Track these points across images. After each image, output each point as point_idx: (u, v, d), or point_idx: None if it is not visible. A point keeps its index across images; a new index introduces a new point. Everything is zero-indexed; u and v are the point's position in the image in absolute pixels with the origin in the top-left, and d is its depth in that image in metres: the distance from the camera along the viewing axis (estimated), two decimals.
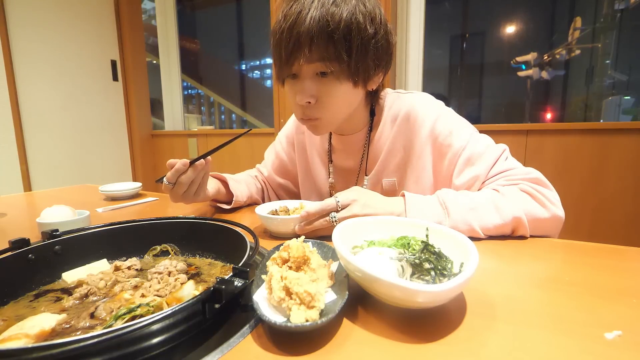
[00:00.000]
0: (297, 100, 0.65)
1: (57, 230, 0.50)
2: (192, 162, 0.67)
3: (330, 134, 0.84)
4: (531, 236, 0.59)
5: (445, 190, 0.62)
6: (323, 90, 0.64)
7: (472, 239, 0.55)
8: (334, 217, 0.57)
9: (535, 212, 0.57)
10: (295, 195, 0.97)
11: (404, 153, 0.76)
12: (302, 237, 0.41)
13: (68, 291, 0.43)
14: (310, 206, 0.59)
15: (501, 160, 0.67)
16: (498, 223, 0.56)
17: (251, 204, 0.89)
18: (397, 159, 0.77)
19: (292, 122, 0.94)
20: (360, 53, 0.60)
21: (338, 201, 0.58)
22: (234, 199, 0.81)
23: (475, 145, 0.68)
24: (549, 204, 0.58)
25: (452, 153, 0.70)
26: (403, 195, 0.61)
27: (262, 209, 0.66)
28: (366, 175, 0.80)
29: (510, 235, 0.59)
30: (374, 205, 0.59)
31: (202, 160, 0.68)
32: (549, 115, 2.61)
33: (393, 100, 0.78)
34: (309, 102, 0.65)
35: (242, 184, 0.88)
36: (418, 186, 0.75)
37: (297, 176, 0.94)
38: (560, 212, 0.59)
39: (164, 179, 0.68)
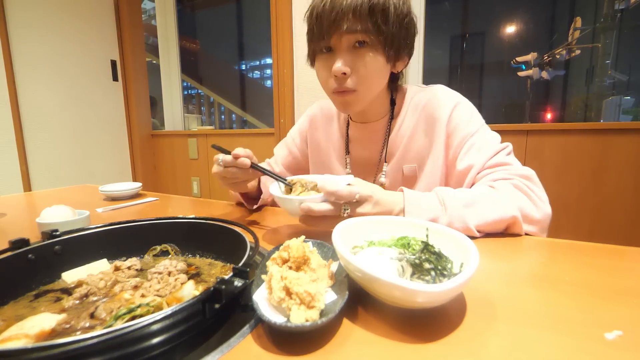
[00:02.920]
0: (333, 70, 0.67)
1: (57, 230, 0.49)
2: (253, 166, 0.66)
3: (348, 124, 0.86)
4: (526, 234, 0.59)
5: (444, 188, 0.63)
6: (359, 61, 0.67)
7: (484, 241, 0.56)
8: (347, 210, 0.55)
9: (528, 211, 0.59)
10: None
11: (424, 138, 0.78)
12: (302, 237, 0.41)
13: (68, 291, 0.43)
14: (327, 186, 0.54)
15: (501, 154, 0.69)
16: (496, 219, 0.57)
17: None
18: (417, 145, 0.78)
19: (306, 119, 0.95)
20: (396, 27, 0.65)
21: (358, 193, 0.55)
22: (262, 196, 0.82)
23: (482, 135, 0.72)
24: (539, 202, 0.61)
25: (460, 138, 0.72)
26: (402, 191, 0.62)
27: (276, 188, 0.63)
28: (386, 163, 0.81)
29: (504, 232, 0.60)
30: (383, 204, 0.58)
31: (255, 170, 0.66)
32: (549, 115, 2.61)
33: (415, 92, 0.81)
34: (345, 74, 0.67)
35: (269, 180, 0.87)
36: (434, 171, 0.77)
37: (308, 173, 0.95)
38: (549, 209, 0.62)
39: (220, 157, 0.67)
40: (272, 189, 0.62)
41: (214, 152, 0.70)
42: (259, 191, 0.84)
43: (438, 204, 0.58)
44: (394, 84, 0.80)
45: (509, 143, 0.72)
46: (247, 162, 0.65)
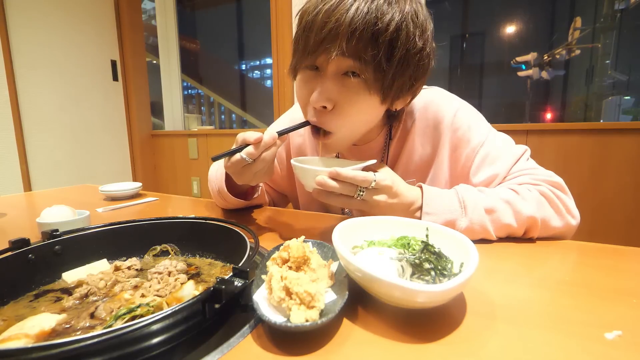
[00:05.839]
0: (311, 101, 0.57)
1: (57, 230, 0.49)
2: (280, 134, 0.56)
3: None
4: (538, 238, 0.58)
5: (465, 187, 0.59)
6: (345, 96, 0.55)
7: (483, 240, 0.56)
8: (362, 194, 0.52)
9: (550, 220, 0.56)
10: (277, 194, 0.92)
11: (422, 151, 0.72)
12: (302, 237, 0.41)
13: (68, 291, 0.43)
14: (344, 169, 0.52)
15: (522, 160, 0.65)
16: (516, 226, 0.55)
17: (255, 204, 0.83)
18: (416, 157, 0.72)
19: (287, 122, 0.84)
20: (402, 66, 0.53)
21: (375, 180, 0.52)
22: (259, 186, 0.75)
23: (494, 142, 0.66)
24: (565, 213, 0.57)
25: (470, 148, 0.67)
26: (420, 187, 0.58)
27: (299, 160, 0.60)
28: None
29: (520, 237, 0.58)
30: (401, 197, 0.55)
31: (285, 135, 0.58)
32: (549, 115, 2.61)
33: None
34: (324, 107, 0.56)
35: None
36: (434, 183, 0.72)
37: (281, 181, 0.89)
38: (573, 221, 0.58)
39: (243, 154, 0.54)
40: (293, 159, 0.57)
41: (214, 152, 0.66)
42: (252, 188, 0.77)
43: (458, 205, 0.55)
44: (390, 114, 0.68)
45: (526, 147, 0.67)
46: (274, 133, 0.55)
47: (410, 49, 0.52)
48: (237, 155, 0.55)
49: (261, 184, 0.79)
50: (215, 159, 0.56)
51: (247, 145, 0.55)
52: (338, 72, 0.55)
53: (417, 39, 0.52)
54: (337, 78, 0.55)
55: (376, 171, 0.55)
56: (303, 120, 0.72)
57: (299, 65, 0.59)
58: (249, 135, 0.55)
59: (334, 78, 0.55)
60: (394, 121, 0.71)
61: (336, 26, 0.50)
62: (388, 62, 0.52)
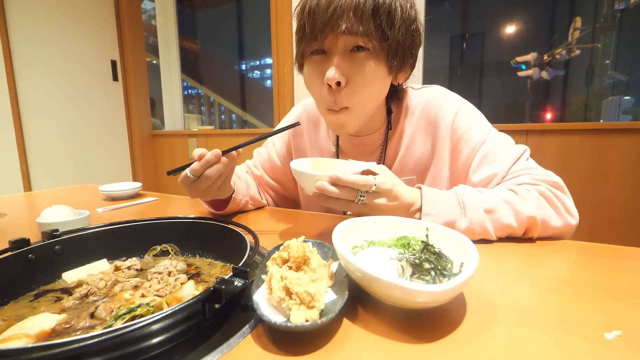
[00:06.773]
0: (326, 78, 0.58)
1: (57, 230, 0.50)
2: (224, 153, 0.59)
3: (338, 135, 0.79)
4: (538, 238, 0.58)
5: (464, 188, 0.59)
6: (356, 70, 0.58)
7: (483, 240, 0.56)
8: (362, 198, 0.53)
9: (550, 220, 0.56)
10: (284, 199, 0.93)
11: (423, 148, 0.73)
12: (302, 237, 0.41)
13: (68, 291, 0.43)
14: (344, 173, 0.52)
15: (522, 160, 0.65)
16: (515, 226, 0.55)
17: (246, 209, 0.82)
18: (416, 155, 0.73)
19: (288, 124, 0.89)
20: (402, 34, 0.58)
21: (375, 184, 0.53)
22: (233, 195, 0.74)
23: (494, 141, 0.67)
24: (564, 212, 0.58)
25: (470, 148, 0.67)
26: (420, 188, 0.59)
27: (296, 162, 0.61)
28: None
29: (520, 237, 0.58)
30: (402, 199, 0.56)
31: (233, 152, 0.61)
32: (549, 115, 2.61)
33: (407, 95, 0.75)
34: (339, 84, 0.59)
35: (243, 180, 0.81)
36: (436, 181, 0.72)
37: (286, 182, 0.90)
38: (573, 221, 0.58)
39: (187, 171, 0.59)
40: (292, 162, 0.58)
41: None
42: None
43: (457, 206, 0.55)
44: (393, 94, 0.72)
45: (526, 147, 0.67)
46: (217, 151, 0.59)
47: (406, 18, 0.58)
48: (183, 172, 0.60)
49: (244, 197, 0.78)
50: (170, 173, 0.62)
51: (197, 156, 0.59)
52: (346, 49, 0.59)
53: (410, 10, 0.59)
54: (346, 55, 0.59)
55: (376, 174, 0.56)
56: (296, 120, 0.76)
57: (307, 50, 0.62)
58: (196, 151, 0.59)
59: (343, 55, 0.59)
60: (395, 99, 0.74)
61: (340, 4, 0.55)
62: (390, 31, 0.57)
